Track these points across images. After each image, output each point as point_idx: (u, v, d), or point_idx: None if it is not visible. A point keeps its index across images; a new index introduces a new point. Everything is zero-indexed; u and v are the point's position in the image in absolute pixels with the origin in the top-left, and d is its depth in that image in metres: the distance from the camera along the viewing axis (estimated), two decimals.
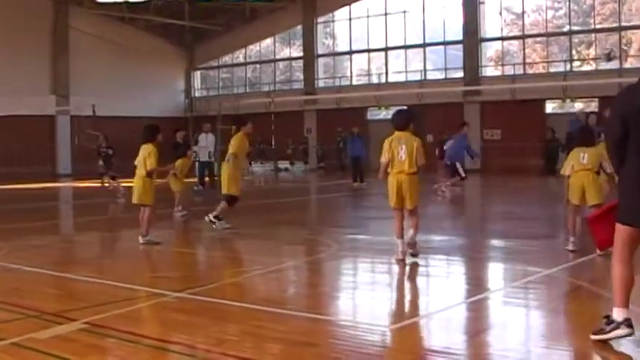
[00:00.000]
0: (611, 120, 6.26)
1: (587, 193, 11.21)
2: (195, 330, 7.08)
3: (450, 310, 8.12)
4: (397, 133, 11.11)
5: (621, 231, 6.16)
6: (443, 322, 7.65)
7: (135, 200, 13.53)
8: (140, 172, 13.36)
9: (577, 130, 13.06)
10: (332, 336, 7.09)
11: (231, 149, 14.95)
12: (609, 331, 6.17)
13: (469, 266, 11.62)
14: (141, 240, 13.31)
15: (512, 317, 7.87)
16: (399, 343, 6.80)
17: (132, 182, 13.87)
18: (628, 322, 6.09)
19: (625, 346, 6.15)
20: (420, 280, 10.51)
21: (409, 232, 11.17)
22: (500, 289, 9.62)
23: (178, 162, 18.36)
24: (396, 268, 11.18)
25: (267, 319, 7.58)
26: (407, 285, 10.22)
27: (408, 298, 9.26)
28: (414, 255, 11.19)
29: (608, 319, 6.20)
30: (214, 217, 14.84)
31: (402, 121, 11.24)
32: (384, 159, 11.07)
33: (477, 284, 10.04)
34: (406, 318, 7.77)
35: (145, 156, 13.29)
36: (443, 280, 10.63)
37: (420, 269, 11.18)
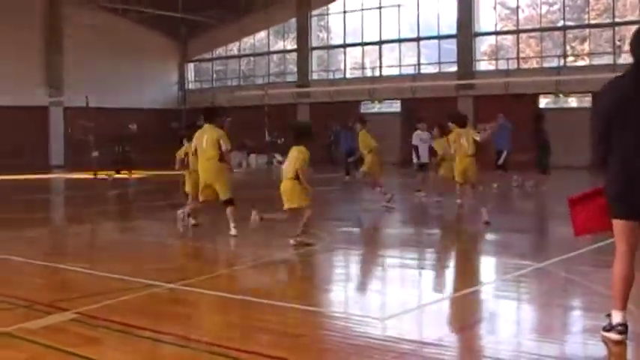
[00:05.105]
0: (594, 113, 6.25)
1: None
2: (187, 321, 7.09)
3: (441, 303, 8.16)
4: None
5: (617, 226, 6.12)
6: (434, 315, 7.67)
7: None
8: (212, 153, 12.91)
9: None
10: (322, 327, 7.11)
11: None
12: (605, 332, 6.20)
13: (461, 259, 11.66)
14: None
15: (503, 310, 7.90)
16: (390, 335, 6.79)
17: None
18: (620, 328, 6.06)
19: (619, 345, 6.10)
20: (412, 273, 10.52)
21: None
22: (492, 282, 9.64)
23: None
24: (388, 261, 11.23)
25: (259, 311, 7.58)
26: (398, 277, 10.24)
27: (399, 290, 9.26)
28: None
29: (609, 319, 6.18)
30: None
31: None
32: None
33: (468, 277, 10.07)
34: (397, 310, 7.76)
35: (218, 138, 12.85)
36: (435, 273, 10.64)
37: (412, 262, 11.23)
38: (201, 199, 13.03)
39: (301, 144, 11.89)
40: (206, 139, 12.76)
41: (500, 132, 23.40)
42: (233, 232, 12.80)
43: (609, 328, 6.14)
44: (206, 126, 12.91)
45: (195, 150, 13.03)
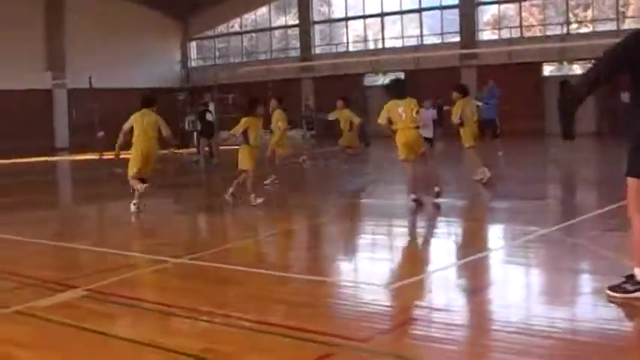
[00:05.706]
0: (616, 45, 5.96)
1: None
2: (196, 294, 7.12)
3: (449, 269, 8.17)
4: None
5: (635, 185, 5.99)
6: (443, 281, 7.69)
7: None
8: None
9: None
10: (333, 296, 7.15)
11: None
12: (633, 291, 6.05)
13: (468, 226, 11.68)
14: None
15: (511, 275, 7.92)
16: (399, 301, 6.84)
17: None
18: None
19: (629, 306, 6.10)
20: (420, 241, 10.58)
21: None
22: (500, 248, 9.66)
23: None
24: (394, 230, 11.28)
25: (269, 282, 7.62)
26: (406, 246, 10.27)
27: (407, 258, 9.30)
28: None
29: (633, 280, 6.05)
30: None
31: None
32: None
33: (476, 244, 10.07)
34: (406, 277, 7.78)
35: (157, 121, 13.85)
36: (442, 241, 10.68)
37: (420, 230, 11.29)
38: (136, 174, 13.57)
39: (407, 96, 12.92)
40: (146, 121, 13.66)
41: (490, 99, 23.10)
42: (132, 208, 13.60)
43: (638, 287, 6.01)
44: (144, 110, 13.81)
45: (131, 129, 13.70)
